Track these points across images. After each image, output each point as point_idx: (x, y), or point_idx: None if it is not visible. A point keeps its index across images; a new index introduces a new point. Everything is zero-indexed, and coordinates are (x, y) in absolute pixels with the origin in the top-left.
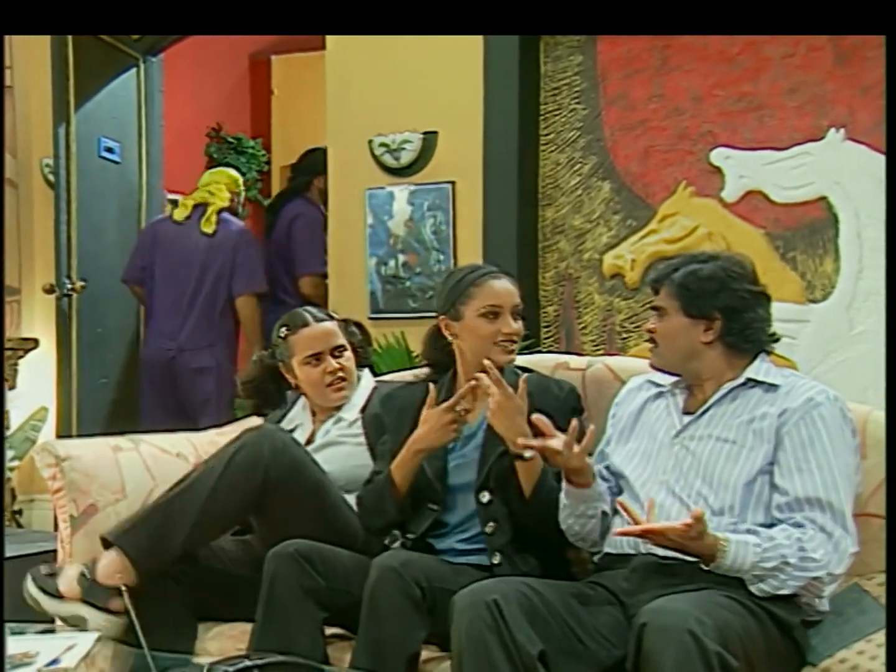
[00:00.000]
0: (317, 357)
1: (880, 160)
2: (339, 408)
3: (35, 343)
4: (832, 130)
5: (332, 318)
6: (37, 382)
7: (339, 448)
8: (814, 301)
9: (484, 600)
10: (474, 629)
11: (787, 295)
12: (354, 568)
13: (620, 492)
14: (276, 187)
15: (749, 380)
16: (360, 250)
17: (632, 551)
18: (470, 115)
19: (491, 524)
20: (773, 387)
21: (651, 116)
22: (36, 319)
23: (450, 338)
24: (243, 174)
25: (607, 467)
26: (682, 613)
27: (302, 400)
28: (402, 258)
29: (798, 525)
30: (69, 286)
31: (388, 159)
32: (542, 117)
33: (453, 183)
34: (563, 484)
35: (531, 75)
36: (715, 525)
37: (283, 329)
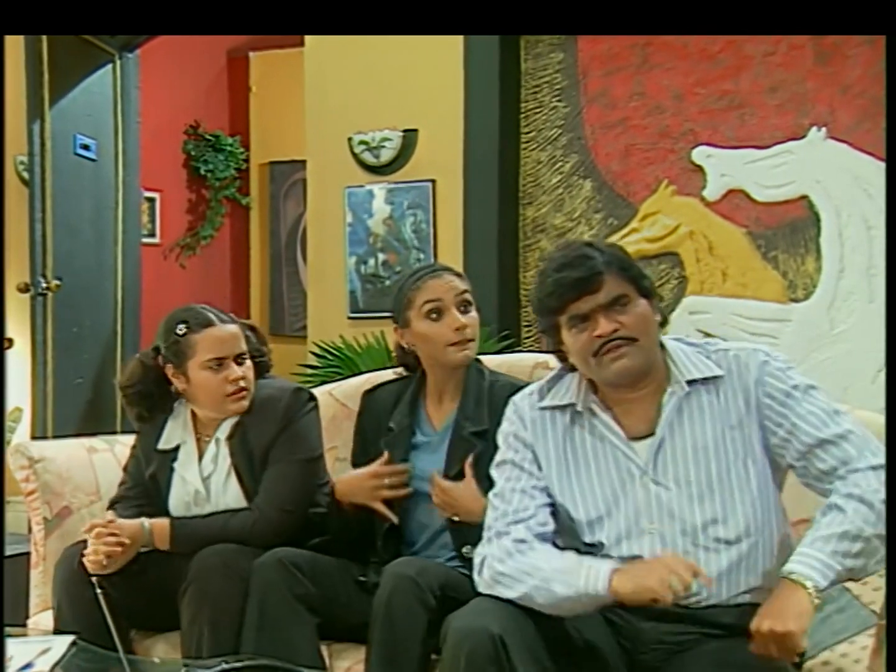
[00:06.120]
0: (219, 362)
1: (861, 159)
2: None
3: (9, 342)
4: (813, 129)
5: (234, 321)
6: (11, 382)
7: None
8: (795, 300)
9: (487, 631)
10: (477, 658)
11: (768, 294)
12: (339, 573)
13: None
14: (255, 185)
15: (690, 382)
16: (340, 249)
17: None
18: (450, 112)
19: (467, 547)
20: (715, 379)
21: (632, 114)
22: (10, 319)
23: (408, 347)
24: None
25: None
26: None
27: (184, 412)
28: (381, 257)
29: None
30: (44, 285)
31: (368, 157)
32: (522, 115)
33: (433, 181)
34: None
35: (512, 73)
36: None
37: (182, 326)
